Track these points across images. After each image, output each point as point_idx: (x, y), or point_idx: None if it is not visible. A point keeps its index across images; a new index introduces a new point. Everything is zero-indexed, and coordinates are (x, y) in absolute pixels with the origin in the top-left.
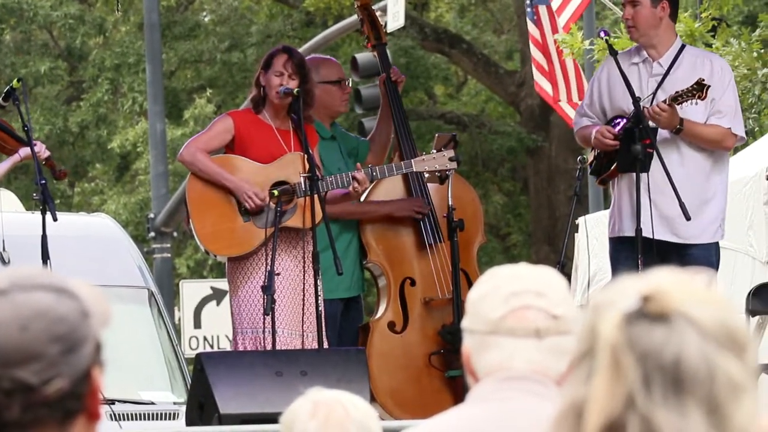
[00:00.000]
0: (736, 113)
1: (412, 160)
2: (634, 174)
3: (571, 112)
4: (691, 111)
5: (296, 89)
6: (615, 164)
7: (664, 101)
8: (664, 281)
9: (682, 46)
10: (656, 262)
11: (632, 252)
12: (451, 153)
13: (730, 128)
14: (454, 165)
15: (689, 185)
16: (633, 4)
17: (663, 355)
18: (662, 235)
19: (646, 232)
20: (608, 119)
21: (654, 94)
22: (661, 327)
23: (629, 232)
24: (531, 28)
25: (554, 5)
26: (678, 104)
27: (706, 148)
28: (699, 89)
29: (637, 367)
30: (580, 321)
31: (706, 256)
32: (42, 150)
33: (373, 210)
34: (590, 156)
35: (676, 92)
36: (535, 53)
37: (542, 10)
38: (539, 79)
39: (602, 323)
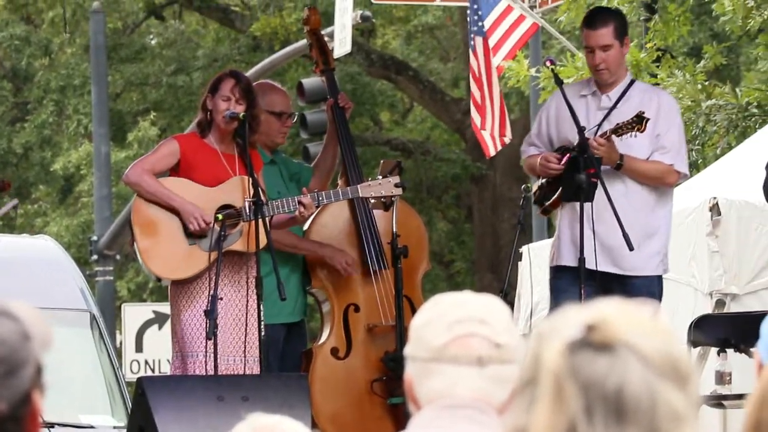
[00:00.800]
0: (680, 150)
1: (358, 186)
2: (577, 203)
3: (489, 142)
4: (636, 145)
5: (242, 114)
6: (558, 193)
7: (604, 134)
8: (608, 311)
9: (632, 81)
10: (598, 293)
11: (572, 281)
12: (396, 179)
13: (672, 165)
14: (399, 191)
15: (633, 217)
16: (604, 48)
17: (606, 384)
18: (604, 266)
19: (589, 263)
20: (555, 150)
21: (599, 126)
22: (604, 356)
23: (569, 261)
24: (471, 59)
25: (500, 32)
26: (618, 136)
27: (646, 184)
28: (638, 122)
29: (579, 396)
30: (524, 349)
31: (648, 287)
32: None
33: (307, 249)
34: (534, 186)
35: (617, 124)
36: (473, 86)
37: (479, 41)
38: (473, 113)
39: (546, 352)
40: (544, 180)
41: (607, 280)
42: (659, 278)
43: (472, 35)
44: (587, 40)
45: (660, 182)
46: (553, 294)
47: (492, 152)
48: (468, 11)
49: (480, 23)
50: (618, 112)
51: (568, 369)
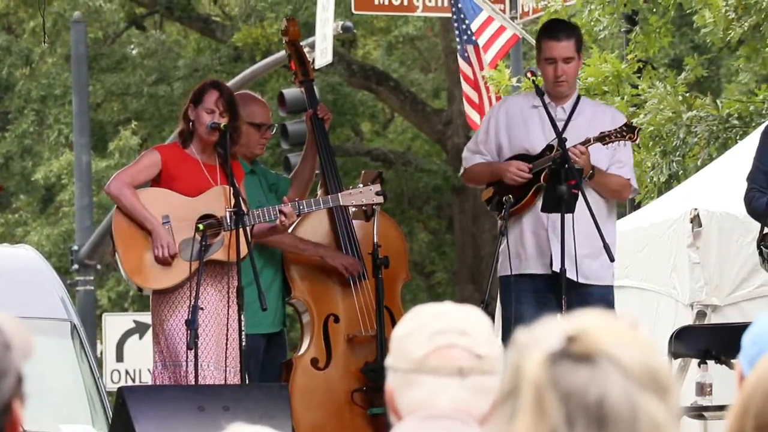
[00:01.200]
0: (632, 165)
1: (339, 194)
2: (540, 212)
3: None
4: (595, 158)
5: (223, 124)
6: (525, 200)
7: (585, 142)
8: (588, 322)
9: (579, 95)
10: (560, 301)
11: (534, 290)
12: (377, 187)
13: (629, 179)
14: (380, 199)
15: (593, 229)
16: (567, 60)
17: (586, 395)
18: (570, 273)
19: (556, 269)
20: (509, 158)
21: (560, 137)
22: (585, 367)
23: (534, 269)
24: (462, 65)
25: (481, 41)
26: (604, 144)
27: (604, 196)
28: (630, 131)
29: (560, 406)
30: (505, 360)
31: (606, 296)
32: None
33: (309, 249)
34: (486, 192)
35: (602, 133)
36: (466, 88)
37: (470, 49)
38: (470, 111)
39: (527, 362)
40: (494, 186)
41: (567, 287)
42: (613, 290)
43: (462, 44)
44: (550, 52)
45: (617, 195)
46: (512, 303)
47: None
48: (454, 22)
49: (469, 32)
50: (573, 124)
51: (549, 380)
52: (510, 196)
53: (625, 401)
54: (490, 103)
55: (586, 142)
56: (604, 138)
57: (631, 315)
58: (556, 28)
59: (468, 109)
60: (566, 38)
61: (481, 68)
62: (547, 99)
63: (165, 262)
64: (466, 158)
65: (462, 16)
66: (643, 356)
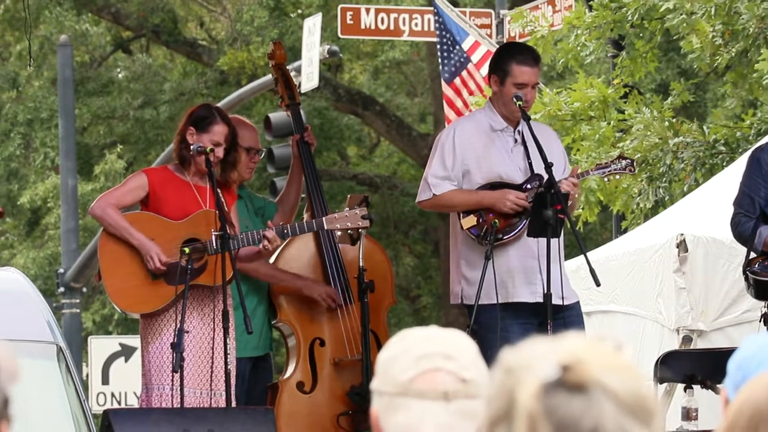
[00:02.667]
0: None
1: (324, 218)
2: (529, 242)
3: None
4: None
5: (209, 148)
6: (518, 230)
7: (582, 174)
8: (580, 350)
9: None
10: (545, 326)
11: (517, 317)
12: (363, 211)
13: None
14: (366, 223)
15: (561, 250)
16: (534, 86)
17: (580, 426)
18: (556, 298)
19: (540, 296)
20: (487, 185)
21: (529, 162)
22: (579, 398)
23: (523, 297)
24: (446, 89)
25: (471, 66)
26: (604, 176)
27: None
28: (630, 164)
29: None
30: (492, 381)
31: (579, 311)
32: None
33: (286, 279)
34: (469, 220)
35: (600, 164)
36: (450, 113)
37: (465, 73)
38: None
39: (520, 390)
40: (476, 214)
41: (553, 311)
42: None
43: (451, 67)
44: (522, 77)
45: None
46: (497, 330)
47: None
48: (438, 45)
49: (464, 55)
50: (528, 145)
51: (544, 411)
52: (496, 221)
53: (617, 431)
54: None
55: (585, 174)
56: (603, 169)
57: (614, 337)
58: (525, 53)
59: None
60: (535, 64)
61: (480, 89)
62: (503, 122)
63: (159, 272)
64: (435, 185)
65: (454, 39)
66: (632, 384)
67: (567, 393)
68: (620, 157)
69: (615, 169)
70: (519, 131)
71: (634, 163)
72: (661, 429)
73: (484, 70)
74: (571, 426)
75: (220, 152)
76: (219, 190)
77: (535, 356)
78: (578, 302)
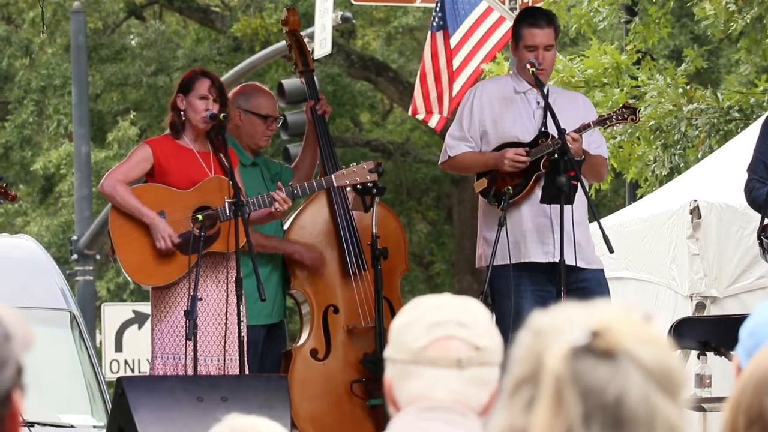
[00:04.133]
0: (605, 144)
1: (332, 175)
2: (539, 202)
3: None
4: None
5: (222, 114)
6: (525, 190)
7: (585, 127)
8: (611, 318)
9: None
10: (560, 292)
11: (532, 283)
12: (371, 165)
13: (606, 158)
14: (374, 177)
15: (583, 213)
16: (547, 48)
17: (605, 393)
18: (571, 260)
19: (552, 256)
20: (498, 146)
21: (544, 124)
22: (606, 365)
23: (536, 257)
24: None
25: (479, 33)
26: (606, 127)
27: (587, 180)
28: (631, 112)
29: (578, 402)
30: (520, 343)
31: (602, 279)
32: None
33: (273, 247)
34: (480, 183)
35: (602, 116)
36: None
37: (438, 36)
38: (419, 99)
39: (548, 353)
40: (487, 176)
41: (568, 274)
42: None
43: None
44: (532, 39)
45: (599, 177)
46: (511, 291)
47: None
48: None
49: (439, 20)
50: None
51: (570, 375)
52: (509, 187)
53: (642, 402)
54: (439, 88)
55: (586, 127)
56: (605, 121)
57: (644, 308)
58: (536, 16)
59: (418, 96)
60: (547, 26)
61: (449, 57)
62: (526, 85)
63: (169, 252)
64: (451, 146)
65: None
66: (660, 355)
67: (595, 359)
68: (623, 106)
69: (617, 119)
70: (540, 94)
71: (637, 112)
72: (686, 402)
73: (496, 36)
74: (596, 392)
75: (209, 104)
76: (221, 154)
77: (566, 321)
78: (602, 270)
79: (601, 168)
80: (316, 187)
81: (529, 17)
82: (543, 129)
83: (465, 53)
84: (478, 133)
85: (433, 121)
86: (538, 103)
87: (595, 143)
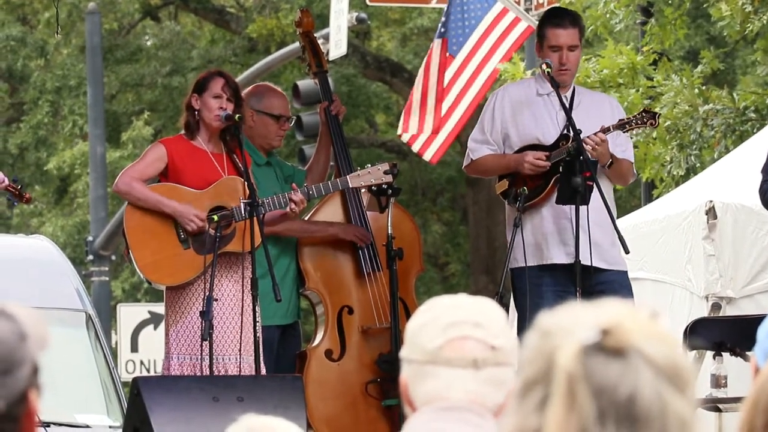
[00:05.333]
0: (631, 148)
1: (348, 176)
2: (555, 203)
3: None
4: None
5: (237, 115)
6: (544, 193)
7: (605, 130)
8: (621, 315)
9: (573, 85)
10: (585, 289)
11: (554, 283)
12: (386, 166)
13: (633, 163)
14: (389, 178)
15: (606, 217)
16: (571, 48)
17: (618, 391)
18: (588, 260)
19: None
20: (521, 148)
21: (567, 126)
22: (617, 363)
23: (558, 259)
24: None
25: (495, 35)
26: (625, 131)
27: (611, 183)
28: (651, 117)
29: (592, 401)
30: (529, 344)
31: (625, 281)
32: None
33: (319, 230)
34: (501, 185)
35: (621, 120)
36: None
37: (437, 43)
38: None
39: (559, 353)
40: (508, 178)
41: (588, 275)
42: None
43: (452, 47)
44: (556, 39)
45: (625, 180)
46: (533, 293)
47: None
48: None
49: (441, 27)
50: (577, 112)
51: (582, 373)
52: (525, 188)
53: (655, 398)
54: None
55: (606, 130)
56: (624, 125)
57: (651, 305)
58: (561, 16)
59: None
60: (571, 26)
61: (441, 68)
62: (548, 87)
63: (200, 235)
64: (473, 149)
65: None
66: (670, 351)
67: (606, 357)
68: (643, 111)
69: (636, 124)
70: (566, 96)
71: (657, 117)
72: (695, 397)
73: (512, 36)
74: (608, 390)
75: (223, 103)
76: (234, 156)
77: (575, 320)
78: (625, 272)
79: (627, 172)
80: (331, 188)
81: (553, 17)
82: (565, 131)
83: (482, 55)
84: (500, 136)
85: (417, 146)
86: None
87: (621, 146)
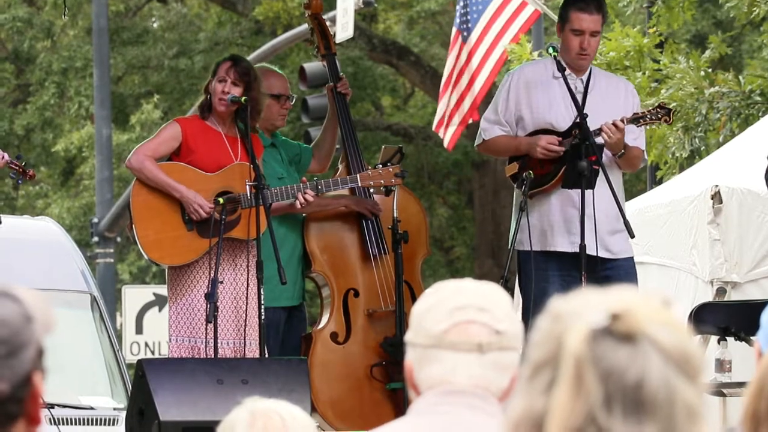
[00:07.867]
0: (643, 136)
1: (358, 175)
2: (570, 191)
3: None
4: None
5: (243, 98)
6: (555, 179)
7: (621, 120)
8: (631, 301)
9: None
10: (589, 277)
11: (560, 268)
12: (397, 169)
13: (644, 151)
14: (399, 181)
15: (613, 203)
16: (593, 34)
17: (626, 375)
18: (594, 249)
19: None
20: (534, 131)
21: (582, 109)
22: (626, 347)
23: (562, 247)
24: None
25: (503, 19)
26: (638, 126)
27: (621, 170)
28: (666, 113)
29: (599, 385)
30: (539, 327)
31: (630, 268)
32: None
33: (330, 204)
34: (511, 168)
35: (636, 114)
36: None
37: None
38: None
39: (568, 335)
40: (518, 161)
41: (593, 263)
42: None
43: (463, 32)
44: (579, 23)
45: (633, 168)
46: (538, 279)
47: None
48: (457, 8)
49: (467, 24)
50: (590, 97)
51: (590, 357)
52: (530, 171)
53: (663, 384)
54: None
55: (621, 121)
56: (638, 119)
57: (664, 293)
58: (586, 0)
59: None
60: (596, 12)
61: (457, 61)
62: (566, 71)
63: (205, 219)
64: (486, 129)
65: (463, 4)
66: (679, 339)
67: (615, 342)
68: (658, 106)
69: (650, 119)
70: (582, 80)
71: (671, 113)
72: (704, 386)
73: (520, 20)
74: (616, 374)
75: (227, 86)
76: (247, 140)
77: (585, 304)
78: (631, 258)
79: (637, 160)
80: (341, 184)
81: (579, 1)
82: (578, 120)
83: (490, 41)
84: (514, 117)
85: (447, 138)
86: (577, 88)
87: (633, 134)
